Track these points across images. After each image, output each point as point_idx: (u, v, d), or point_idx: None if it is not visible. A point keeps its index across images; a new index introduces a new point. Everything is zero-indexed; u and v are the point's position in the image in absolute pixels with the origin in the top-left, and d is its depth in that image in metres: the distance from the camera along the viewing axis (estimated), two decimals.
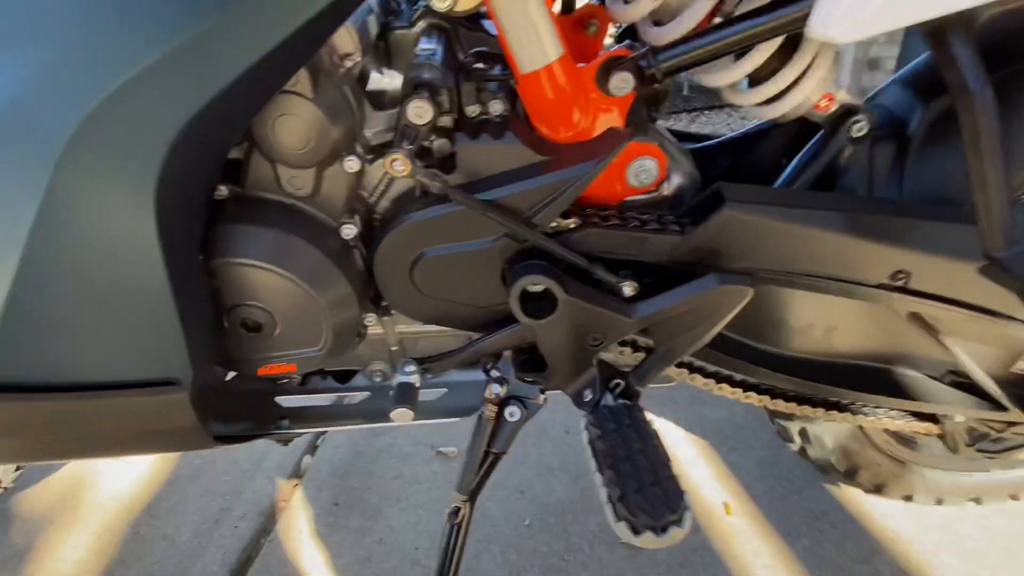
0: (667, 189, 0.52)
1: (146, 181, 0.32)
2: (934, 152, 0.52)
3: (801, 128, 0.57)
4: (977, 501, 0.81)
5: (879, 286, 0.49)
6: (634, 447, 0.43)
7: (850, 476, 0.80)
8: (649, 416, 0.46)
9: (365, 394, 0.63)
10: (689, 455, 0.95)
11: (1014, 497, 0.80)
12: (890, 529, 0.82)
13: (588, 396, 0.50)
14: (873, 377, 0.59)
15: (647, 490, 0.40)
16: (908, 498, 0.81)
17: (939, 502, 0.81)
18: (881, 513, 0.84)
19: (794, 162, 0.54)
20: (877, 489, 0.80)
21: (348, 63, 0.43)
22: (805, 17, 0.39)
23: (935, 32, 0.37)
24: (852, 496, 0.87)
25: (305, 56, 0.36)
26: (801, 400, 0.61)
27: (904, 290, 0.49)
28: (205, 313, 0.40)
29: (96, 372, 0.36)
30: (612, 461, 0.41)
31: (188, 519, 0.87)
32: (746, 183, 0.61)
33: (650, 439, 0.43)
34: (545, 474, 0.92)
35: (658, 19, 0.49)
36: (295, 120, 0.39)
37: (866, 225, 0.47)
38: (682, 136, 0.67)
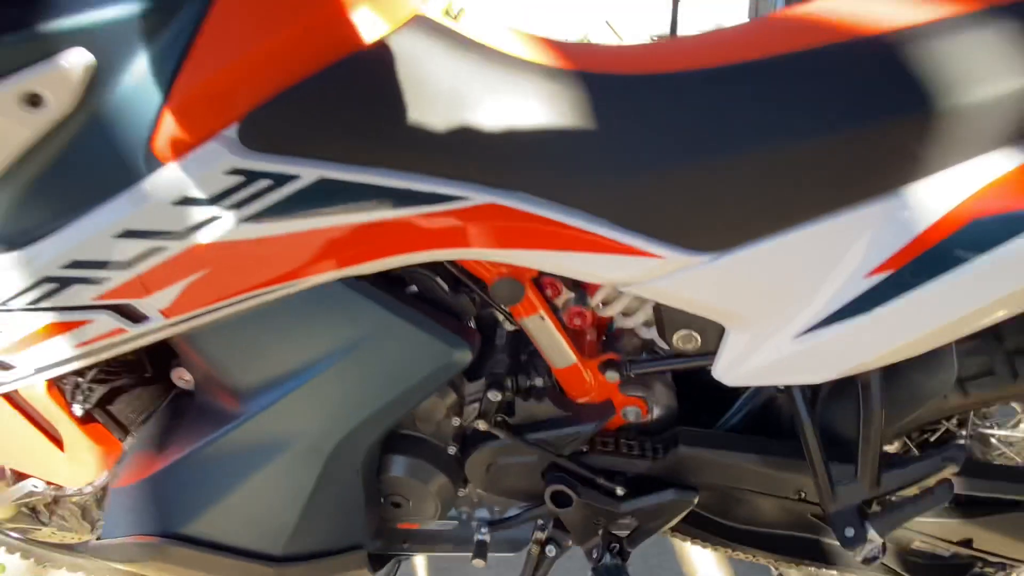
0: (652, 416, 0.80)
1: (359, 453, 0.66)
2: (831, 400, 0.77)
3: None
4: None
5: (789, 498, 0.75)
6: None
7: None
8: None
9: (455, 523, 0.95)
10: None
11: None
12: None
13: (595, 553, 0.79)
14: (808, 545, 0.84)
15: None
16: None
17: None
18: None
19: (740, 401, 0.81)
20: None
21: None
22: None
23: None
24: None
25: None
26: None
27: (805, 502, 0.74)
28: (377, 503, 0.73)
29: (321, 545, 0.70)
30: None
31: None
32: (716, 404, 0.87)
33: None
34: None
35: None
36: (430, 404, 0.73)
37: (775, 462, 0.73)
38: None
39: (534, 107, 0.54)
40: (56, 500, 0.95)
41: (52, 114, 0.48)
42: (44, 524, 1.01)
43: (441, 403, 0.74)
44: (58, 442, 0.68)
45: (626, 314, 0.71)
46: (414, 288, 0.67)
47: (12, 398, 0.64)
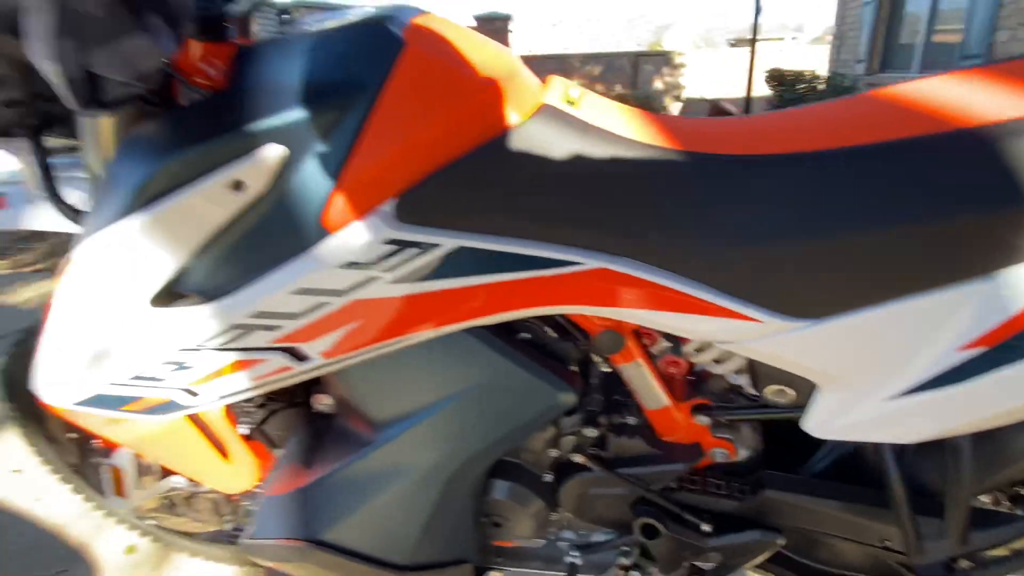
0: (739, 458, 0.85)
1: (472, 479, 0.75)
2: (919, 454, 0.79)
3: None
4: None
5: (873, 545, 0.77)
6: None
7: None
8: None
9: (543, 542, 1.02)
10: None
11: None
12: None
13: None
14: None
15: None
16: None
17: None
18: None
19: (827, 447, 0.84)
20: None
21: None
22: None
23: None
24: None
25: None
26: None
27: (889, 550, 0.77)
28: (481, 523, 0.82)
29: (435, 557, 0.79)
30: None
31: None
32: (800, 449, 0.90)
33: None
34: None
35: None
36: (532, 436, 0.80)
37: (860, 510, 0.76)
38: None
39: (644, 184, 0.61)
40: (193, 495, 1.10)
41: (249, 196, 0.59)
42: (179, 515, 1.15)
43: (542, 436, 0.81)
44: (224, 455, 0.80)
45: (718, 362, 0.77)
46: (526, 335, 0.75)
47: (194, 418, 0.76)
